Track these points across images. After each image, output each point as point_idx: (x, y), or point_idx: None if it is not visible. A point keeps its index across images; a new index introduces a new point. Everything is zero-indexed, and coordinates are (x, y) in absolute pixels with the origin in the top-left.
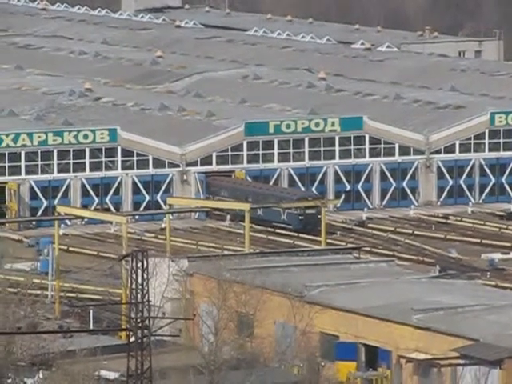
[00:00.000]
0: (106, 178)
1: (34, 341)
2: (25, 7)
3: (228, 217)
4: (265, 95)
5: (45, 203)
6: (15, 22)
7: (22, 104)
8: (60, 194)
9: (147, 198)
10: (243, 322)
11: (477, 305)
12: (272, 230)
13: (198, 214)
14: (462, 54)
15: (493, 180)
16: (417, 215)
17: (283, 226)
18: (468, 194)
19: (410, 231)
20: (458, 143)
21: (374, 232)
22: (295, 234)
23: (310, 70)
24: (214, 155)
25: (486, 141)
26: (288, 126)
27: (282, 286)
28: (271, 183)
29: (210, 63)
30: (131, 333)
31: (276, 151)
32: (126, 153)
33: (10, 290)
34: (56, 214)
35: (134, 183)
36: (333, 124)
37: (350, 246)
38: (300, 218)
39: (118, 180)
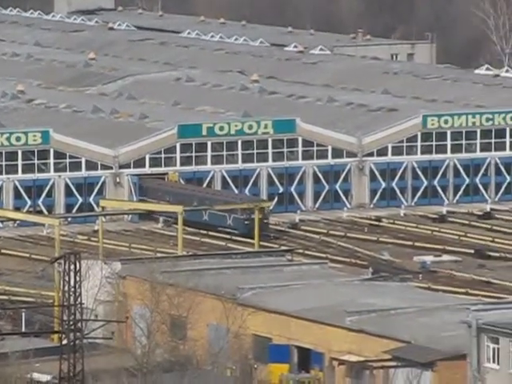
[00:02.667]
0: (39, 180)
1: None
2: None
3: (161, 219)
4: (198, 97)
5: None
6: None
7: None
8: None
9: (80, 200)
10: (176, 325)
11: (409, 307)
12: (218, 234)
13: (130, 216)
14: (394, 56)
15: (425, 183)
16: (349, 217)
17: (229, 230)
18: (400, 196)
19: (343, 233)
20: (390, 146)
21: (307, 234)
22: (228, 237)
23: (243, 72)
24: (147, 157)
25: (419, 143)
26: (221, 129)
27: (215, 289)
28: (204, 185)
29: (142, 65)
30: (63, 335)
31: (209, 153)
32: (59, 155)
33: None
34: None
35: (67, 185)
36: (266, 126)
37: (282, 248)
38: (246, 222)
39: (51, 182)
